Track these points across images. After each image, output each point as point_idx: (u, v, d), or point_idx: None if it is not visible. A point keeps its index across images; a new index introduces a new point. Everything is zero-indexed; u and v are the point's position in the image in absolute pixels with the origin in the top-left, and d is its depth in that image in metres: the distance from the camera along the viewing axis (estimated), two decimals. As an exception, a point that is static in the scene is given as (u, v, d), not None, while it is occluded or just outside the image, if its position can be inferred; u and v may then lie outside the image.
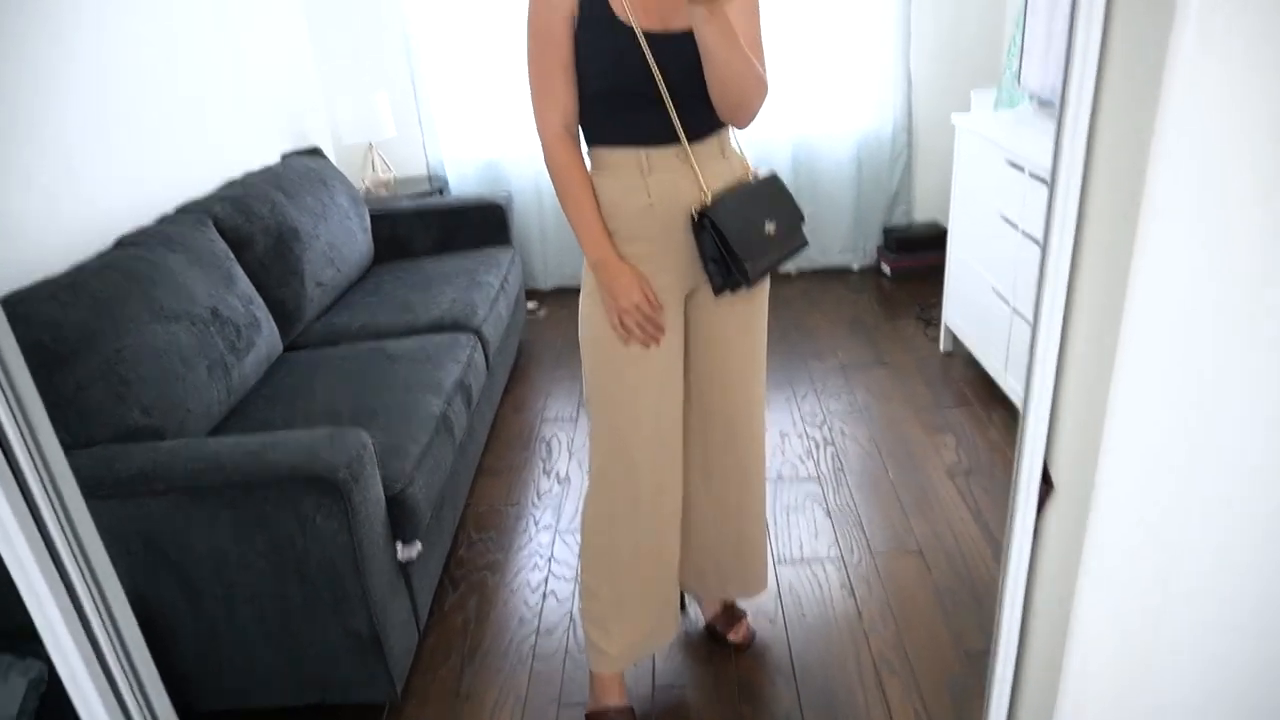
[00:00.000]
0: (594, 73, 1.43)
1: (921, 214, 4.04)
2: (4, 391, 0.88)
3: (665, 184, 1.47)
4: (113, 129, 2.33)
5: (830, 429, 2.82)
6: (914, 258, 3.90)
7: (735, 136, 1.57)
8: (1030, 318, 2.27)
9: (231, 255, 2.38)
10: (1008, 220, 2.56)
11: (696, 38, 1.31)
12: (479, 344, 2.59)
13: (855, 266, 4.08)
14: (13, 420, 0.87)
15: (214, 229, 2.38)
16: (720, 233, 1.43)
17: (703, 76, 1.39)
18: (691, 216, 1.46)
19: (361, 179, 3.74)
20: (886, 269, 3.97)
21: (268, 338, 2.38)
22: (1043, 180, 2.32)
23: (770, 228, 1.51)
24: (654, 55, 1.37)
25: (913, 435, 2.74)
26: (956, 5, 3.68)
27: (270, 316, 2.46)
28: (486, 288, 2.88)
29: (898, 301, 3.72)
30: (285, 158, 3.14)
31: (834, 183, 3.93)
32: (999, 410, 2.81)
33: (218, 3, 2.95)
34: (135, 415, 1.82)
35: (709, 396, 1.68)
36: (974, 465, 2.56)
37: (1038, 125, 2.69)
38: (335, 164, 3.75)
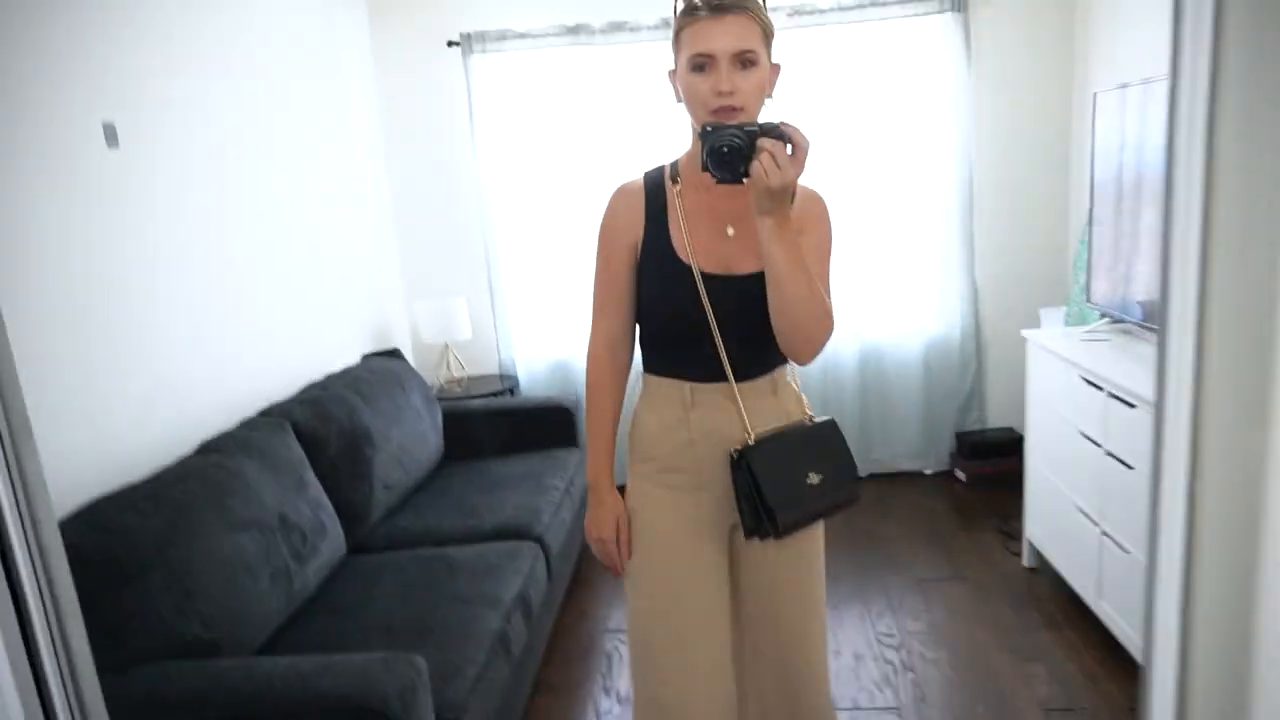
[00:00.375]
0: (650, 304, 1.47)
1: (995, 419, 3.96)
2: (48, 620, 0.88)
3: (707, 420, 1.45)
4: (203, 333, 2.47)
5: (909, 652, 2.63)
6: (989, 464, 3.78)
7: (794, 376, 1.54)
8: (1122, 542, 2.13)
9: (305, 460, 2.43)
10: (1088, 438, 2.48)
11: (764, 257, 1.30)
12: (541, 552, 2.54)
13: (928, 471, 3.97)
14: (53, 655, 0.86)
15: (291, 433, 2.46)
16: (754, 477, 1.37)
17: (760, 319, 1.37)
18: (731, 455, 1.42)
19: (437, 377, 3.87)
20: (961, 475, 3.85)
21: (332, 542, 2.38)
22: (1122, 400, 2.26)
23: (815, 478, 1.42)
24: (710, 297, 1.39)
25: (999, 662, 2.53)
26: (1018, 218, 3.78)
27: (337, 520, 2.47)
28: (551, 492, 2.86)
29: (975, 510, 3.58)
30: (366, 358, 3.28)
31: (902, 386, 3.90)
32: (1093, 635, 2.60)
33: (308, 209, 3.20)
34: (194, 628, 1.80)
35: (761, 640, 1.56)
36: (1071, 701, 2.34)
37: (1113, 342, 2.65)
38: (413, 363, 3.91)
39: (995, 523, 3.43)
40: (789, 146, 1.22)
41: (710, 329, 1.39)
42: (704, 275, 1.40)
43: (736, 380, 1.42)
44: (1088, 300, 2.90)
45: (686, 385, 1.45)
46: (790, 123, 1.23)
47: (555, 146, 3.77)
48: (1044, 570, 3.01)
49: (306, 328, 3.05)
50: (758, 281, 1.36)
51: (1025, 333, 2.88)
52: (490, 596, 2.18)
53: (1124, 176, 2.71)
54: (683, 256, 1.41)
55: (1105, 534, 2.41)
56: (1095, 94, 2.77)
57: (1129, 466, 2.25)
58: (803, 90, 3.57)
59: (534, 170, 3.81)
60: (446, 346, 3.83)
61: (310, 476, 2.41)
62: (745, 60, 1.31)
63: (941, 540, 3.33)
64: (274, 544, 2.10)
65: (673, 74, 1.40)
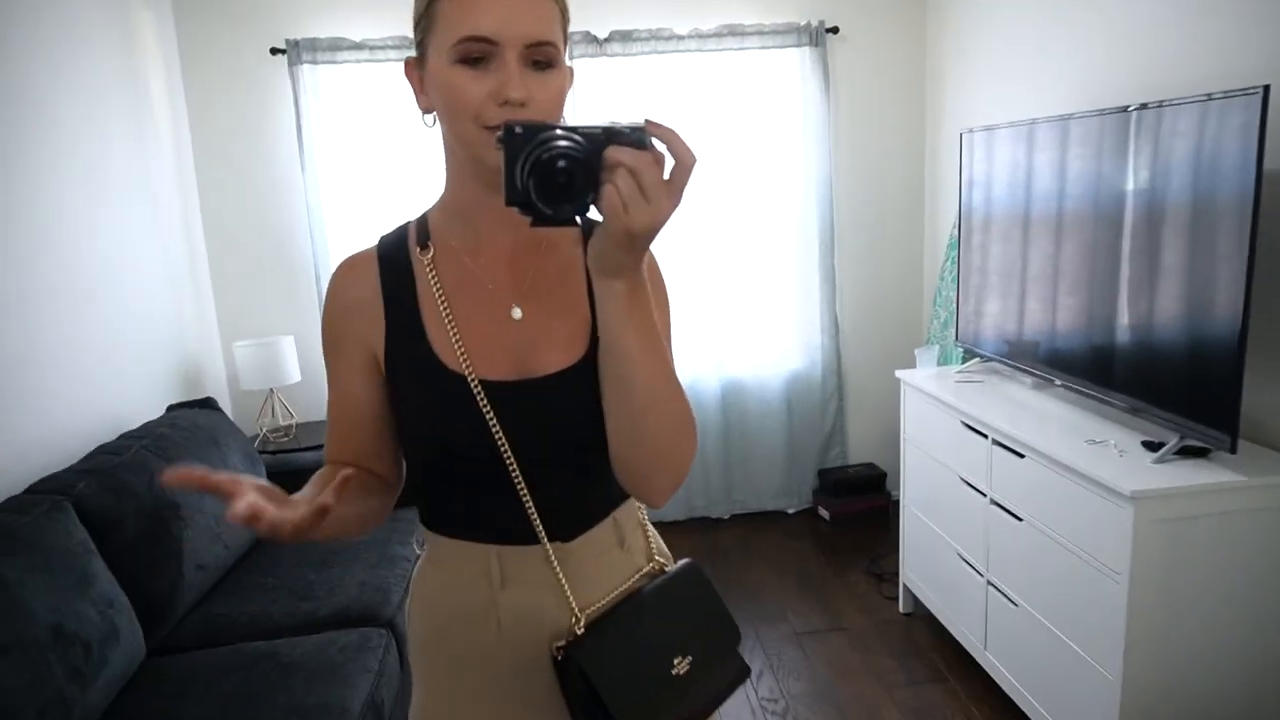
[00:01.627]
0: (412, 436, 0.98)
1: (856, 455, 3.94)
2: None
3: (526, 601, 0.99)
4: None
5: (794, 717, 2.47)
6: (853, 501, 3.74)
7: (643, 511, 1.11)
8: (1010, 594, 2.04)
9: (92, 546, 1.97)
10: (970, 485, 2.43)
11: (607, 344, 0.86)
12: (393, 640, 2.19)
13: (791, 510, 3.89)
14: None
15: (72, 514, 1.98)
16: (591, 684, 0.94)
17: (586, 439, 0.94)
18: (552, 653, 0.97)
19: (258, 426, 3.39)
20: (825, 513, 3.79)
21: (126, 648, 1.93)
22: (1009, 449, 2.21)
23: (682, 664, 0.99)
24: (501, 418, 0.93)
25: (889, 723, 2.42)
26: (877, 254, 3.79)
27: (134, 617, 2.01)
28: (400, 563, 2.51)
29: (842, 550, 3.51)
30: (171, 409, 2.78)
31: (764, 424, 3.81)
32: (977, 685, 2.54)
33: (95, 236, 2.69)
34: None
35: None
36: (964, 763, 2.25)
37: (986, 383, 2.63)
38: (231, 412, 3.41)
39: (865, 564, 3.37)
40: (659, 159, 0.77)
41: (506, 467, 0.94)
42: (486, 386, 0.93)
43: (558, 538, 0.98)
44: (955, 339, 2.89)
45: (491, 552, 0.98)
46: (657, 120, 0.77)
47: (396, 167, 3.41)
48: (921, 615, 2.96)
49: (96, 380, 2.54)
50: (571, 382, 0.94)
51: (900, 374, 2.82)
52: (333, 707, 1.82)
53: (976, 216, 2.72)
54: (449, 362, 0.94)
55: (992, 584, 2.35)
56: (961, 132, 2.77)
57: (1017, 518, 2.20)
58: (658, 118, 3.41)
59: (373, 193, 3.43)
60: (272, 392, 3.36)
61: (98, 567, 1.95)
62: (541, 57, 0.87)
63: (814, 586, 3.23)
64: (43, 668, 1.65)
65: (414, 70, 0.93)
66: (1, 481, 2.06)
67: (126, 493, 2.14)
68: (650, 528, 1.11)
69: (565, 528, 0.99)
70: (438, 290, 0.97)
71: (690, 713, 1.01)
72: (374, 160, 3.41)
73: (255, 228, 3.47)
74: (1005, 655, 2.32)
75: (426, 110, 0.94)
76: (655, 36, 3.46)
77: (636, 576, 1.05)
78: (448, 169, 0.98)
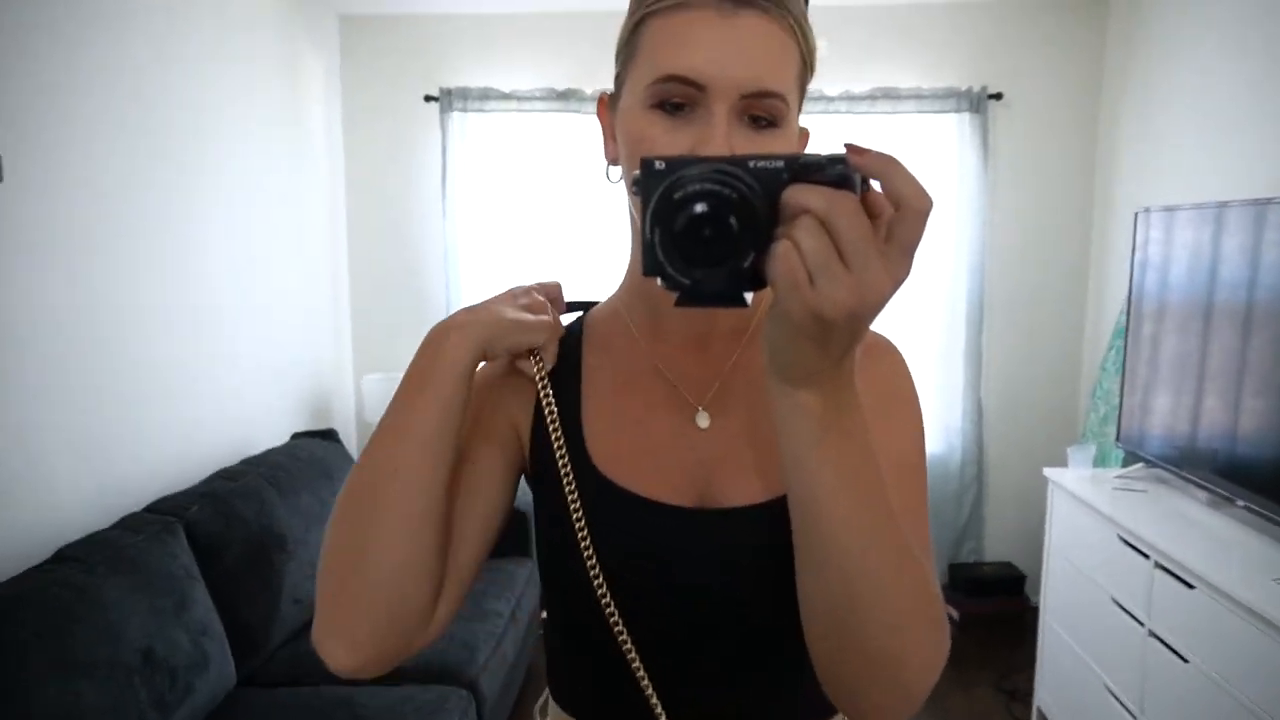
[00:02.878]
0: (550, 564, 0.76)
1: (993, 553, 3.60)
2: None
3: None
4: (87, 405, 2.05)
5: (900, 847, 2.20)
6: (986, 603, 3.40)
7: None
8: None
9: (195, 571, 2.00)
10: (1125, 610, 2.12)
11: (795, 486, 0.59)
12: (473, 704, 2.10)
13: (916, 604, 3.58)
14: None
15: (182, 536, 2.02)
16: None
17: (771, 606, 0.68)
18: None
19: (378, 459, 3.44)
20: (954, 613, 3.46)
21: (215, 678, 1.93)
22: (1176, 576, 1.91)
23: None
24: (664, 550, 0.70)
25: None
26: (1030, 338, 3.49)
27: (227, 646, 2.02)
28: (493, 619, 2.43)
29: (970, 659, 3.18)
30: (295, 438, 2.85)
31: (894, 508, 3.54)
32: (1118, 844, 2.19)
33: (248, 261, 2.81)
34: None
35: None
36: None
37: (1150, 493, 2.32)
38: (354, 445, 3.49)
39: (994, 678, 3.03)
40: (873, 207, 0.52)
41: (666, 631, 0.71)
42: (651, 507, 0.71)
43: None
44: (1116, 438, 2.58)
45: None
46: (867, 146, 0.52)
47: (533, 217, 3.44)
48: (1055, 746, 2.61)
49: (226, 403, 2.63)
50: (765, 521, 0.69)
51: (1049, 472, 2.54)
52: (399, 772, 1.74)
53: (1149, 303, 2.42)
54: (606, 470, 0.72)
55: (1145, 729, 2.03)
56: (1136, 213, 2.50)
57: (1183, 658, 1.89)
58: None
59: (508, 240, 3.47)
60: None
61: (199, 593, 1.97)
62: (762, 112, 0.66)
63: (934, 696, 2.90)
64: (128, 690, 1.65)
65: (607, 110, 0.74)
66: (126, 498, 2.13)
67: (237, 520, 2.17)
68: None
69: None
70: (588, 386, 0.75)
71: None
72: (512, 209, 3.45)
73: (396, 265, 3.57)
74: (1157, 817, 1.98)
75: (612, 161, 0.74)
76: (805, 97, 3.35)
77: None
78: (632, 239, 0.75)
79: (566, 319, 0.82)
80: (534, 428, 0.76)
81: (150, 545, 1.91)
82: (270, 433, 2.85)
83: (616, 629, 0.69)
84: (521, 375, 0.76)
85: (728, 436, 0.73)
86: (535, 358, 0.74)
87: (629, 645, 0.70)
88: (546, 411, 0.73)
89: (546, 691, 0.83)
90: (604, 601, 0.69)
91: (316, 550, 2.36)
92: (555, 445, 0.72)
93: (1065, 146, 3.40)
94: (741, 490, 0.71)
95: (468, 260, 3.48)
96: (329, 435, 2.92)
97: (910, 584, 0.59)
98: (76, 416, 2.00)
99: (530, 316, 0.72)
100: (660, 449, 0.73)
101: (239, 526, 2.17)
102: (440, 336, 0.70)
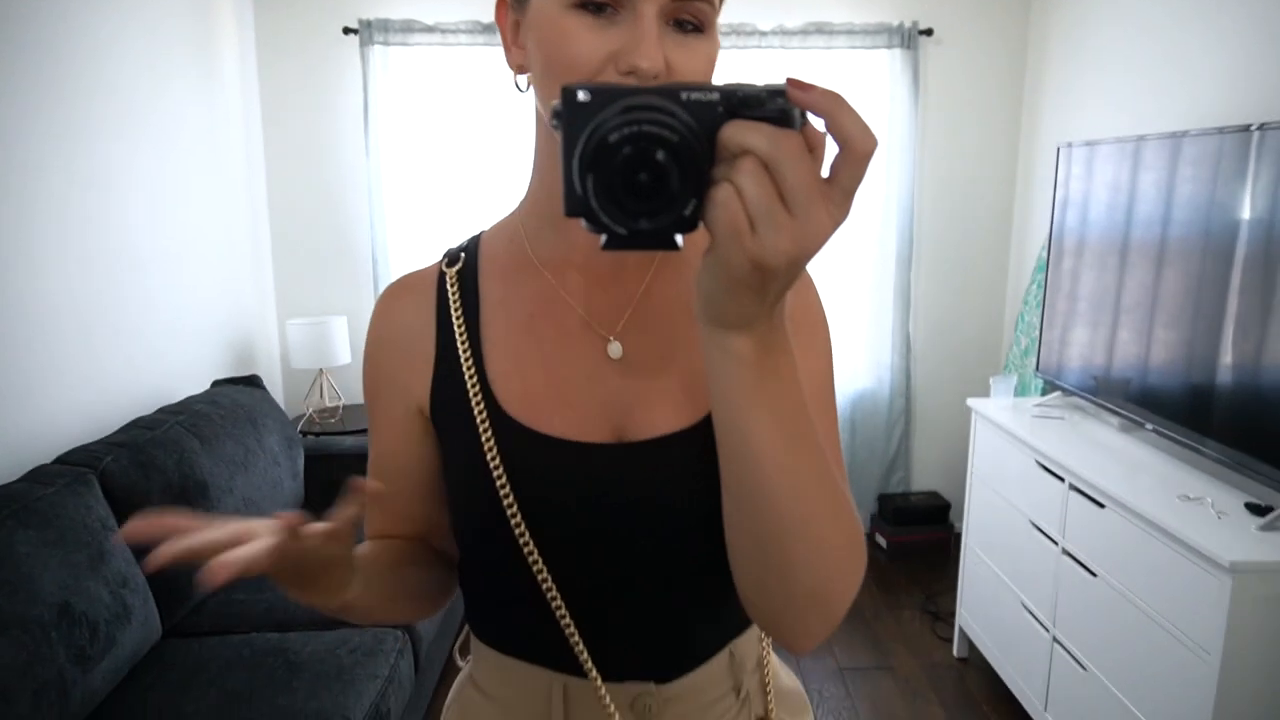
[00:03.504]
0: (456, 505, 0.74)
1: (920, 483, 3.71)
2: None
3: None
4: (-5, 362, 1.95)
5: (830, 763, 2.30)
6: (913, 531, 3.52)
7: (767, 645, 0.83)
8: (1078, 655, 1.82)
9: (113, 523, 1.93)
10: (1041, 530, 2.21)
11: (725, 428, 0.57)
12: (409, 643, 2.10)
13: (847, 534, 3.69)
14: None
15: (97, 488, 1.95)
16: None
17: (691, 538, 0.69)
18: None
19: (305, 405, 3.36)
20: (883, 541, 3.58)
21: (139, 629, 1.88)
22: (1088, 495, 1.99)
23: None
24: (581, 490, 0.69)
25: (932, 782, 2.23)
26: (957, 272, 3.56)
27: (150, 598, 1.97)
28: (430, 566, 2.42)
29: (897, 584, 3.30)
30: (216, 385, 2.76)
31: (826, 442, 3.62)
32: (1032, 750, 2.33)
33: (162, 202, 2.68)
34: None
35: None
36: (1013, 836, 2.04)
37: (1067, 420, 2.41)
38: (278, 390, 3.40)
39: (920, 600, 3.16)
40: (813, 144, 0.48)
41: (582, 564, 0.71)
42: (562, 447, 0.69)
43: (651, 676, 0.73)
44: (1036, 369, 2.66)
45: (555, 684, 0.74)
46: (809, 81, 0.49)
47: (461, 154, 3.34)
48: (976, 662, 2.74)
49: (142, 350, 2.53)
50: (681, 452, 0.68)
51: (972, 402, 2.61)
52: (333, 714, 1.73)
53: (1069, 238, 2.49)
54: (513, 411, 0.70)
55: (1058, 641, 2.14)
56: (1059, 147, 2.54)
57: (1091, 573, 1.98)
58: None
59: (435, 178, 3.36)
60: (321, 372, 3.33)
61: (116, 544, 1.91)
62: (690, 16, 0.62)
63: (864, 621, 3.03)
64: (45, 646, 1.60)
65: (507, 10, 0.69)
66: (34, 449, 2.04)
67: (154, 469, 2.10)
68: (773, 663, 0.82)
69: (664, 661, 0.73)
70: (503, 315, 0.72)
71: None
72: (439, 147, 3.34)
73: (318, 207, 3.44)
74: (1067, 717, 2.11)
75: (519, 69, 0.69)
76: (737, 31, 3.30)
77: None
78: (536, 155, 0.72)
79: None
80: (436, 373, 0.73)
81: (62, 498, 1.83)
82: (190, 381, 2.76)
83: (539, 573, 0.69)
84: (409, 334, 0.75)
85: (641, 366, 0.71)
86: (452, 288, 0.74)
87: (551, 588, 0.70)
88: (467, 366, 0.71)
89: (466, 629, 0.82)
90: (525, 548, 0.69)
91: (244, 498, 2.32)
92: (471, 392, 0.70)
93: (994, 82, 3.43)
94: (659, 420, 0.69)
95: (393, 200, 3.37)
96: (252, 381, 2.83)
97: (839, 523, 0.59)
98: (-26, 365, 1.90)
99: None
100: (572, 385, 0.70)
101: (158, 476, 2.10)
102: None
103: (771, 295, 0.50)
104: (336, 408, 3.37)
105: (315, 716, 1.71)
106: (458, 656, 0.84)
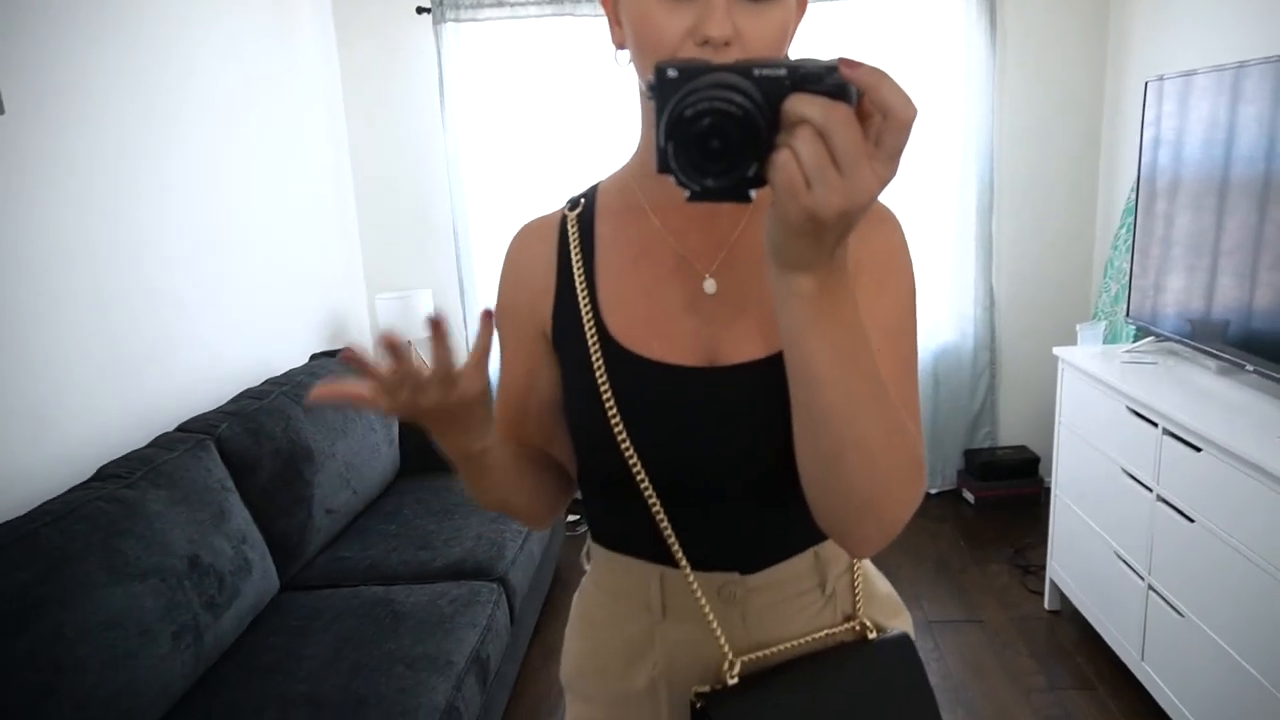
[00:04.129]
0: (573, 422, 0.85)
1: (1007, 437, 3.65)
2: None
3: (687, 641, 0.83)
4: (115, 332, 2.10)
5: (919, 711, 2.32)
6: (1001, 486, 3.47)
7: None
8: (1175, 602, 1.79)
9: (230, 484, 2.08)
10: (1134, 478, 2.16)
11: (791, 356, 0.64)
12: (504, 596, 2.20)
13: (933, 490, 3.66)
14: None
15: (215, 453, 2.10)
16: None
17: (774, 452, 0.74)
18: (692, 701, 0.81)
19: (398, 377, 3.50)
20: (970, 496, 3.54)
21: (259, 582, 2.03)
22: (1183, 440, 1.94)
23: None
24: (675, 410, 0.78)
25: (1024, 730, 2.23)
26: (1042, 220, 3.45)
27: (268, 554, 2.12)
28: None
29: (986, 538, 3.27)
30: (314, 359, 2.91)
31: (908, 398, 3.58)
32: (1129, 697, 2.30)
33: (253, 189, 2.83)
34: (65, 712, 1.46)
35: None
36: (1108, 782, 2.03)
37: (1160, 365, 2.34)
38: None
39: (1009, 554, 3.12)
40: (862, 115, 0.55)
41: (688, 473, 0.80)
42: (664, 370, 0.78)
43: (737, 567, 0.82)
44: (1126, 314, 2.59)
45: (653, 574, 0.83)
46: (860, 60, 0.54)
47: (535, 126, 3.40)
48: (1068, 614, 2.71)
49: (246, 326, 2.68)
50: (766, 376, 0.75)
51: (1058, 350, 2.56)
52: (439, 659, 1.84)
53: (1162, 178, 2.39)
54: (621, 337, 0.80)
55: (1154, 589, 2.10)
56: (1147, 82, 2.44)
57: (1188, 518, 1.94)
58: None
59: (510, 151, 3.44)
60: (410, 344, 3.45)
61: (235, 503, 2.06)
62: None
63: (951, 573, 3.02)
64: (180, 594, 1.75)
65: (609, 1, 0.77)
66: (157, 418, 2.21)
67: (264, 436, 2.24)
68: (866, 570, 0.90)
69: (748, 555, 0.82)
70: (607, 253, 0.82)
71: None
72: (512, 119, 3.40)
73: (399, 184, 3.56)
74: (1166, 669, 2.07)
75: (619, 45, 0.77)
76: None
77: (829, 633, 0.85)
78: (642, 116, 0.81)
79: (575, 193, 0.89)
80: (556, 303, 0.84)
81: (185, 461, 1.98)
82: (289, 354, 2.91)
83: (639, 477, 0.79)
84: (535, 270, 0.85)
85: (732, 301, 0.79)
86: (571, 225, 0.85)
87: (649, 491, 0.79)
88: (582, 298, 0.82)
89: (588, 537, 0.92)
90: (627, 453, 0.78)
91: (345, 463, 2.45)
92: (586, 321, 0.81)
93: (1076, 17, 3.30)
94: (745, 348, 0.78)
95: (470, 174, 3.46)
96: (348, 354, 2.97)
97: (897, 445, 0.67)
98: (102, 343, 2.05)
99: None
100: (670, 315, 0.80)
101: (267, 442, 2.24)
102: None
103: (828, 242, 0.57)
104: (426, 377, 3.50)
105: (422, 660, 1.82)
106: (584, 561, 0.94)
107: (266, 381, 2.55)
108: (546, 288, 0.84)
